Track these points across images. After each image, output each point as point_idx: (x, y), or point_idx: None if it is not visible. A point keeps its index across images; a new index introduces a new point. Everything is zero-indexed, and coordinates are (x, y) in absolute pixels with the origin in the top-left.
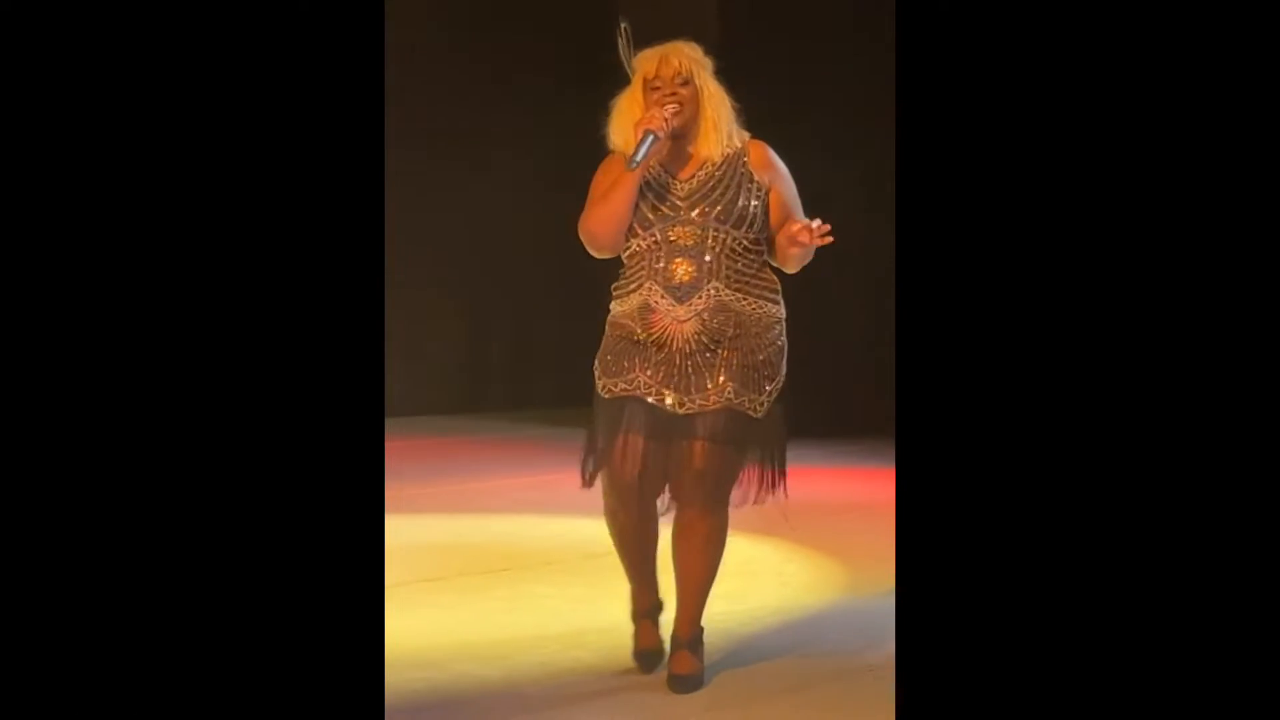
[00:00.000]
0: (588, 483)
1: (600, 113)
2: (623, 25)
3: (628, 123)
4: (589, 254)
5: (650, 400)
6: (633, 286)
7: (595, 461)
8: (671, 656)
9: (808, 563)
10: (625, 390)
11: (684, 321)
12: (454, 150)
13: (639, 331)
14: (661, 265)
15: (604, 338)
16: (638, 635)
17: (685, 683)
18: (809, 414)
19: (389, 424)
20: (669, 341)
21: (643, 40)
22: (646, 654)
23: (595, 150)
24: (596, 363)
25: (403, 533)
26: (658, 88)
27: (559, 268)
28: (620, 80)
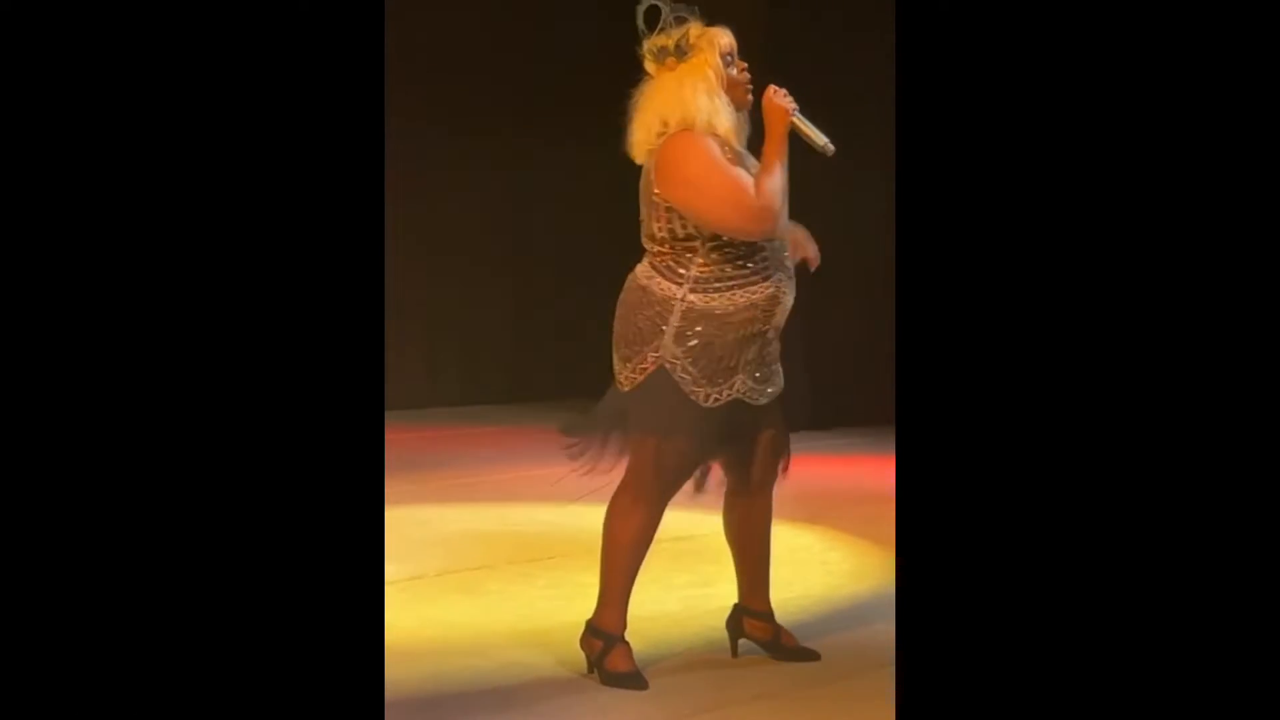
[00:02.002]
0: (674, 493)
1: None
2: (660, 3)
3: (701, 94)
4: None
5: (746, 400)
6: (760, 277)
7: (677, 471)
8: (784, 634)
9: (851, 550)
10: (728, 396)
11: (789, 308)
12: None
13: (759, 323)
14: (781, 255)
15: (694, 334)
16: (617, 658)
17: (811, 651)
18: (853, 402)
19: (435, 414)
20: (774, 332)
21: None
22: (632, 676)
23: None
24: (689, 366)
25: (453, 521)
26: (730, 62)
27: (583, 259)
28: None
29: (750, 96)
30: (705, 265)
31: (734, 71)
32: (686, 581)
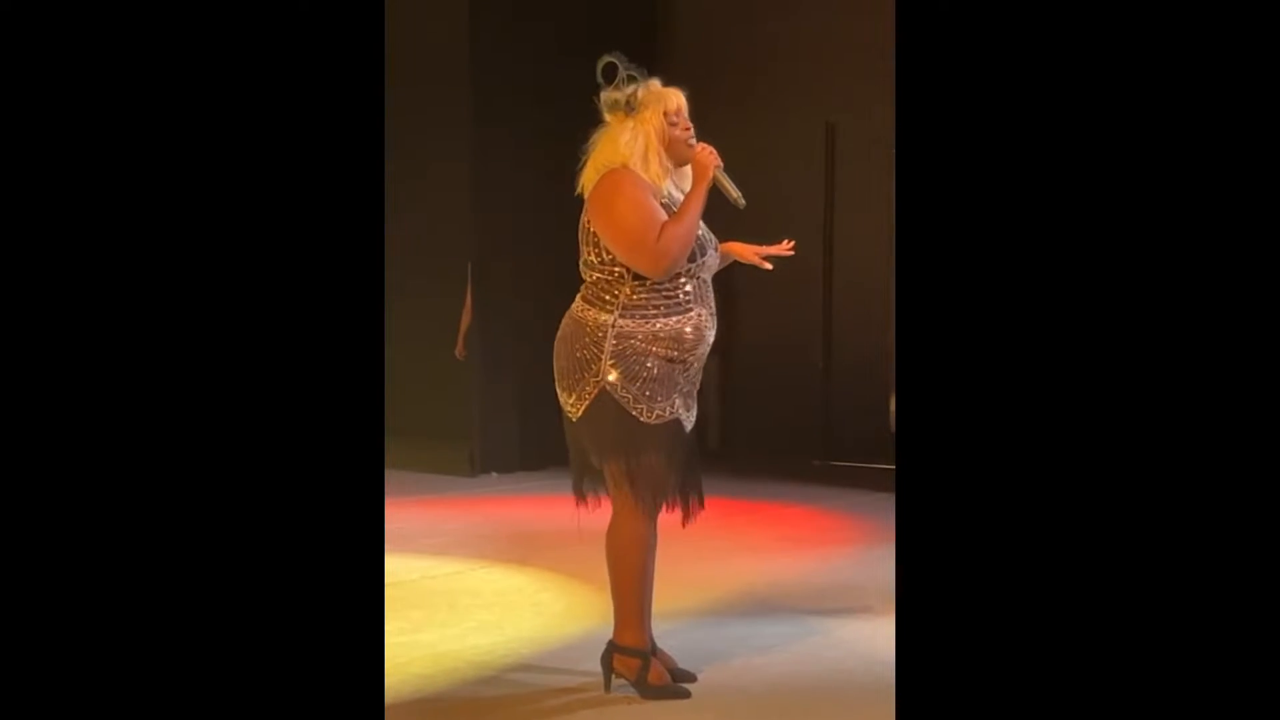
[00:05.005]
0: (659, 508)
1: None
2: (616, 61)
3: (641, 145)
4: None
5: (682, 420)
6: (682, 309)
7: (653, 485)
8: (653, 671)
9: (563, 591)
10: (670, 414)
11: (710, 345)
12: None
13: (686, 352)
14: (705, 292)
15: (628, 356)
16: (656, 671)
17: (681, 690)
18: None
19: None
20: (699, 363)
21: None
22: (673, 688)
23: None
24: (628, 385)
25: None
26: (675, 122)
27: None
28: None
29: (691, 152)
30: (633, 293)
31: (677, 130)
32: (396, 628)
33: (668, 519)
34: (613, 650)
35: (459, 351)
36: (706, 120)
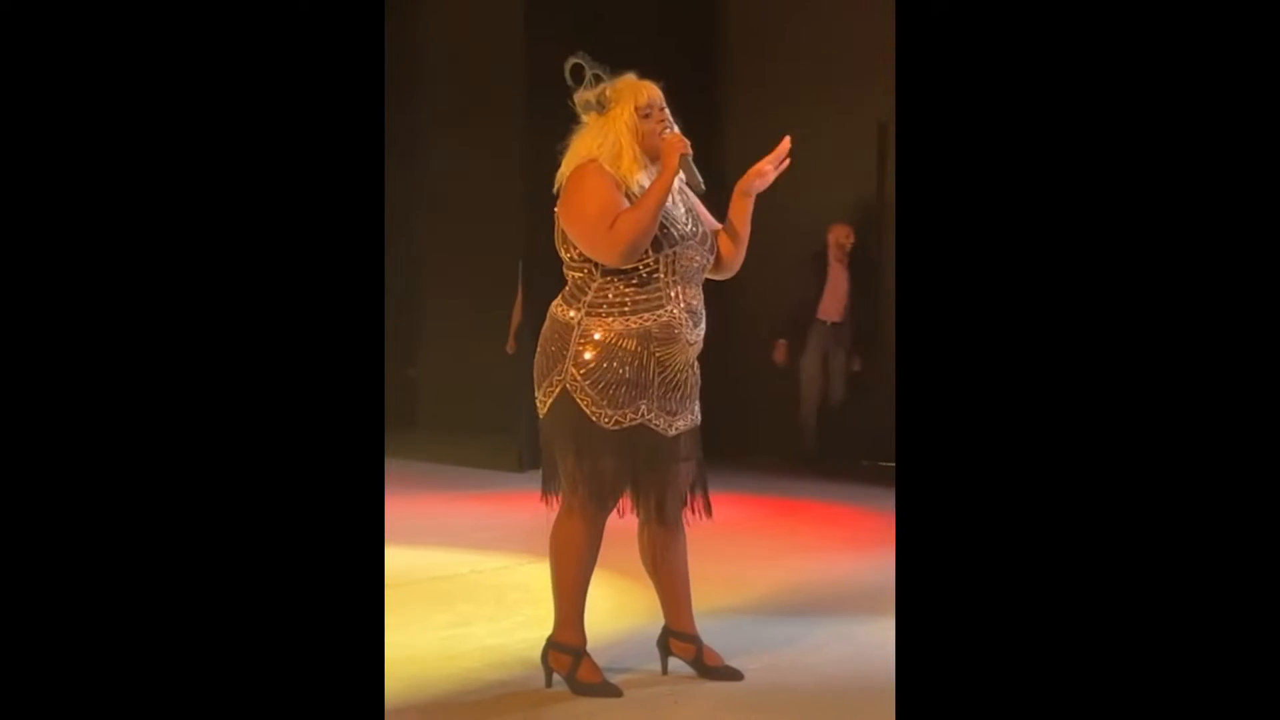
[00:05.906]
0: (602, 513)
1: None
2: (583, 62)
3: (612, 140)
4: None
5: (652, 427)
6: (653, 305)
7: (597, 490)
8: (706, 651)
9: (609, 588)
10: (632, 420)
11: (693, 345)
12: None
13: (655, 352)
14: (681, 288)
15: (593, 356)
16: (588, 668)
17: (735, 671)
18: None
19: None
20: (676, 365)
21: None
22: (605, 686)
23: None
24: (589, 387)
25: None
26: (649, 115)
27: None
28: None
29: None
30: (600, 290)
31: (650, 124)
32: (444, 621)
33: (703, 523)
34: (549, 646)
35: (510, 347)
36: (758, 118)
